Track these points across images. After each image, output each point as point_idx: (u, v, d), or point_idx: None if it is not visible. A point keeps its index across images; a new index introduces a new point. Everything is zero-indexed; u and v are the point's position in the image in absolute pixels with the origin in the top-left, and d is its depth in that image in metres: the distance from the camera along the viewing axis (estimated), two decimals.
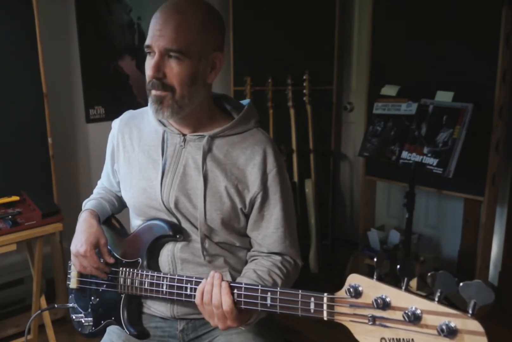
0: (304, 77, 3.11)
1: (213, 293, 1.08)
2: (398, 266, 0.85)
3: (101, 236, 1.31)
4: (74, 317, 1.42)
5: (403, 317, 0.84)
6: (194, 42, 1.15)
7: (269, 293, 1.03)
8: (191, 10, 1.16)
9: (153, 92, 1.19)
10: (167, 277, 1.20)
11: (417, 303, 0.83)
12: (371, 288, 0.89)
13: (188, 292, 1.16)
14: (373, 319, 0.87)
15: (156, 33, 1.14)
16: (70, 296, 1.45)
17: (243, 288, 1.07)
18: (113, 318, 1.32)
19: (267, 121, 3.13)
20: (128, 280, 1.27)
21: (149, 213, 1.31)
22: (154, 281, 1.22)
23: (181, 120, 1.26)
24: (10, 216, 2.04)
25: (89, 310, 1.38)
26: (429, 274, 0.82)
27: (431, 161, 2.47)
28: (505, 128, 2.54)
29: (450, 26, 2.58)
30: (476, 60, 2.50)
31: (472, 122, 2.42)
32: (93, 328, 1.37)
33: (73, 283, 1.41)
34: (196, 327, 1.34)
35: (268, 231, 1.29)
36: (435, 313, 0.81)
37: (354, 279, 0.91)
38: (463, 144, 2.41)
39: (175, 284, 1.18)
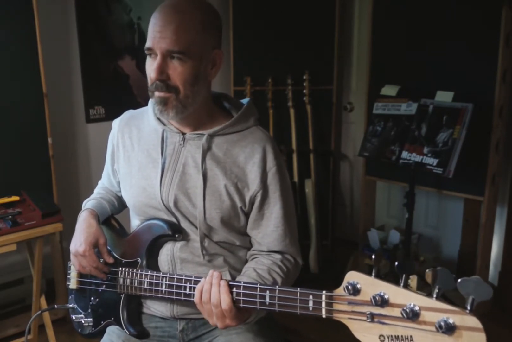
0: (304, 77, 3.11)
1: (212, 291, 1.08)
2: (396, 263, 0.85)
3: (100, 236, 1.31)
4: (74, 318, 1.42)
5: (402, 314, 0.83)
6: (195, 42, 1.15)
7: (267, 292, 1.03)
8: (190, 10, 1.16)
9: (157, 93, 1.19)
10: (166, 277, 1.20)
11: (415, 300, 0.83)
12: (370, 285, 0.89)
13: (187, 291, 1.15)
14: (372, 316, 0.87)
15: (157, 35, 1.14)
16: (70, 297, 1.45)
17: (242, 286, 1.07)
18: (112, 318, 1.32)
19: (267, 121, 3.13)
20: (128, 280, 1.27)
21: (149, 212, 1.31)
22: (154, 280, 1.22)
23: (182, 119, 1.26)
24: (10, 216, 2.04)
25: (89, 310, 1.38)
26: (427, 270, 0.82)
27: (431, 161, 2.47)
28: (505, 128, 2.54)
29: (450, 26, 2.58)
30: (476, 60, 2.50)
31: (472, 122, 2.42)
32: (93, 328, 1.37)
33: (73, 284, 1.41)
34: (196, 327, 1.34)
35: (268, 230, 1.29)
36: (433, 309, 0.81)
37: (352, 277, 0.91)
38: (463, 144, 2.40)
39: (174, 283, 1.18)
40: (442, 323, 0.79)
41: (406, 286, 0.85)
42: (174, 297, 1.19)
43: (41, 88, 2.42)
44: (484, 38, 2.46)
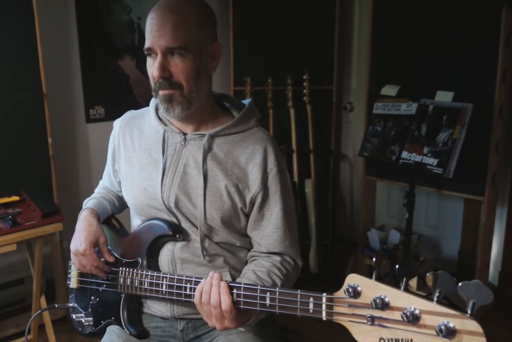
0: (304, 77, 3.11)
1: (212, 292, 1.08)
2: (397, 266, 0.85)
3: (100, 235, 1.32)
4: (74, 317, 1.42)
5: (402, 317, 0.83)
6: (193, 36, 1.17)
7: (268, 293, 1.03)
8: (185, 6, 1.18)
9: (161, 92, 1.20)
10: (166, 277, 1.20)
11: (416, 303, 0.83)
12: (370, 288, 0.89)
13: (188, 292, 1.16)
14: (372, 319, 0.87)
15: (155, 34, 1.15)
16: (70, 296, 1.45)
17: (242, 288, 1.07)
18: (113, 318, 1.32)
19: (267, 121, 3.13)
20: (128, 280, 1.27)
21: (150, 212, 1.31)
22: (154, 281, 1.22)
23: (186, 117, 1.26)
24: (10, 216, 2.04)
25: (89, 310, 1.38)
26: (428, 274, 0.81)
27: (431, 161, 2.47)
28: (505, 128, 2.54)
29: (450, 26, 2.58)
30: (476, 60, 2.50)
31: (472, 122, 2.41)
32: (93, 328, 1.37)
33: (73, 283, 1.41)
34: (196, 327, 1.34)
35: (268, 231, 1.29)
36: (434, 313, 0.81)
37: (353, 279, 0.91)
38: (463, 144, 2.40)
39: (175, 284, 1.18)
40: (443, 327, 0.79)
41: (407, 289, 0.85)
42: (174, 297, 1.19)
43: (41, 88, 2.42)
44: (484, 38, 2.46)
